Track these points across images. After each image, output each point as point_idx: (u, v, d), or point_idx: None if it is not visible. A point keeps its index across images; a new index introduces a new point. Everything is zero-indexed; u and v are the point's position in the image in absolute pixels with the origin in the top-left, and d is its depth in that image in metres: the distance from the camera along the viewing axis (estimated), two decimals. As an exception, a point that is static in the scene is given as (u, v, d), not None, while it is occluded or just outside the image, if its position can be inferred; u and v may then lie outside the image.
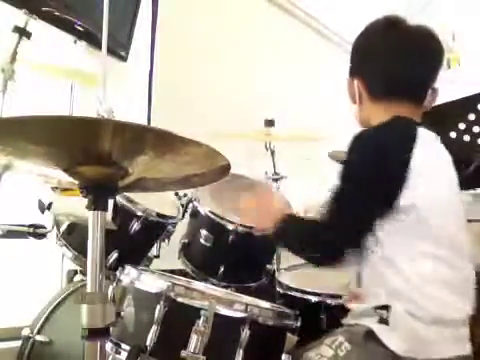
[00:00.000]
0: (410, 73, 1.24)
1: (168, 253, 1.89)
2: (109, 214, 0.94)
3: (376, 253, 1.13)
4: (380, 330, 1.09)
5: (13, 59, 1.65)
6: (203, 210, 1.83)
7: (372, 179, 1.11)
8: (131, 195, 1.67)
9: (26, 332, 1.58)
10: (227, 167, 0.92)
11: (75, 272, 1.90)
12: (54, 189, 1.47)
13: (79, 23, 2.09)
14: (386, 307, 1.10)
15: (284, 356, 1.19)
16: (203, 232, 1.82)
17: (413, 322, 1.07)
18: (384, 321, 1.09)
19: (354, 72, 1.32)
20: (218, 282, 1.79)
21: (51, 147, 0.83)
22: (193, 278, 1.81)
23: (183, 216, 1.89)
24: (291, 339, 1.19)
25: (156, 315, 1.13)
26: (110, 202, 0.94)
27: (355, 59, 1.34)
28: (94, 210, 0.91)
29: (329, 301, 1.58)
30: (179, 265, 1.92)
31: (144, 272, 1.28)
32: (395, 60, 1.25)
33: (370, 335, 1.10)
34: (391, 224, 1.11)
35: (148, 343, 1.12)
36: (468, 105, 1.75)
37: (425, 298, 1.08)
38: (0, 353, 1.86)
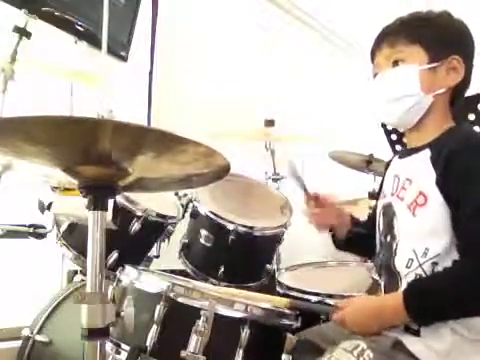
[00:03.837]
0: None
1: (168, 253, 1.89)
2: (109, 214, 0.94)
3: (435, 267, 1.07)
4: (410, 341, 1.05)
5: (13, 59, 1.65)
6: (203, 210, 1.83)
7: None
8: (131, 195, 1.67)
9: (26, 332, 1.58)
10: (227, 167, 0.92)
11: (75, 272, 1.90)
12: (54, 189, 1.47)
13: (79, 23, 2.09)
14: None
15: (284, 356, 1.18)
16: (203, 232, 1.82)
17: (457, 339, 1.03)
18: (413, 332, 1.06)
19: (462, 53, 1.15)
20: (218, 282, 1.79)
21: (51, 147, 0.83)
22: (193, 278, 1.81)
23: (183, 216, 1.89)
24: (291, 339, 1.19)
25: (156, 315, 1.13)
26: (110, 202, 0.94)
27: (467, 42, 1.18)
28: (94, 210, 0.91)
29: (329, 301, 1.57)
30: (179, 265, 1.92)
31: (144, 272, 1.28)
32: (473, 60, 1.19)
33: (398, 345, 1.05)
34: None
35: (148, 343, 1.12)
36: (468, 105, 1.75)
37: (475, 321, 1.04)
38: (0, 353, 1.86)
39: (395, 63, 1.17)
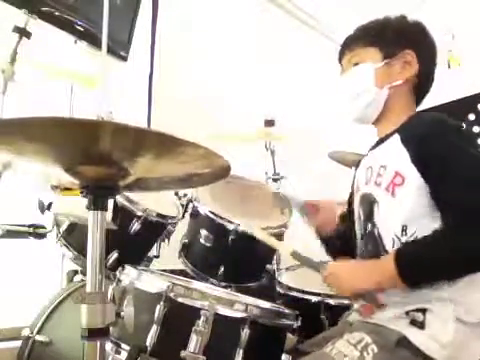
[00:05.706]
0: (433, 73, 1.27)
1: (168, 253, 1.89)
2: (109, 214, 0.94)
3: None
4: (416, 336, 1.05)
5: (13, 59, 1.65)
6: (203, 210, 1.83)
7: None
8: (131, 195, 1.67)
9: (26, 332, 1.58)
10: (227, 168, 0.92)
11: (75, 272, 1.90)
12: (54, 189, 1.48)
13: (79, 23, 2.09)
14: (422, 310, 1.07)
15: (284, 356, 1.18)
16: (203, 232, 1.82)
17: (460, 327, 1.04)
18: (419, 324, 1.06)
19: (414, 48, 1.24)
20: (218, 282, 1.80)
21: (51, 148, 0.83)
22: (193, 278, 1.81)
23: (183, 216, 1.89)
24: (291, 339, 1.19)
25: (156, 315, 1.13)
26: (110, 202, 0.94)
27: (418, 37, 1.27)
28: (94, 210, 0.91)
29: (329, 301, 1.58)
30: (179, 265, 1.92)
31: (144, 272, 1.28)
32: (434, 54, 1.27)
33: (402, 341, 1.06)
34: None
35: (148, 343, 1.12)
36: (468, 105, 1.76)
37: (475, 303, 1.06)
38: (0, 353, 1.86)
39: (355, 65, 1.28)
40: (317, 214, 1.45)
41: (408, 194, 1.11)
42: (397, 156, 1.14)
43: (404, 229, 1.11)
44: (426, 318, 1.06)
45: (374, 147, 1.29)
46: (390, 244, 1.15)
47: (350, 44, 1.31)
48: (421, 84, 1.27)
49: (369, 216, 1.21)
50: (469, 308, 1.06)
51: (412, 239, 1.10)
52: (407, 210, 1.11)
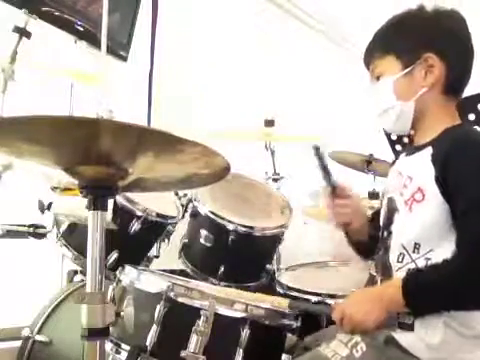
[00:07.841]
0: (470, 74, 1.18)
1: (168, 253, 1.89)
2: (109, 214, 0.94)
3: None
4: (402, 336, 1.05)
5: (13, 59, 1.65)
6: (203, 210, 1.83)
7: None
8: (131, 195, 1.67)
9: (26, 332, 1.58)
10: (227, 167, 0.92)
11: (75, 272, 1.90)
12: (54, 189, 1.47)
13: (79, 23, 2.09)
14: (410, 313, 1.06)
15: (284, 356, 1.18)
16: (203, 232, 1.82)
17: (451, 333, 1.03)
18: (407, 327, 1.06)
19: (434, 48, 1.13)
20: (218, 282, 1.80)
21: (51, 147, 0.83)
22: (193, 278, 1.81)
23: (183, 216, 1.89)
24: (291, 339, 1.19)
25: (156, 315, 1.13)
26: (110, 202, 0.94)
27: (436, 34, 1.16)
28: (94, 210, 0.91)
29: (329, 301, 1.57)
30: (179, 265, 1.92)
31: (144, 272, 1.28)
32: (471, 54, 1.17)
33: (391, 340, 1.07)
34: None
35: (148, 343, 1.12)
36: (468, 105, 1.75)
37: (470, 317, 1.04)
38: (0, 353, 1.86)
39: (377, 78, 1.21)
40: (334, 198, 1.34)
41: (425, 212, 1.08)
42: (424, 171, 1.10)
43: (417, 246, 1.09)
44: (415, 322, 1.05)
45: (409, 153, 1.23)
46: (395, 257, 1.13)
47: (368, 55, 1.24)
48: (453, 82, 1.16)
49: (388, 223, 1.19)
50: (462, 320, 1.04)
51: (424, 258, 1.08)
52: (421, 228, 1.08)
